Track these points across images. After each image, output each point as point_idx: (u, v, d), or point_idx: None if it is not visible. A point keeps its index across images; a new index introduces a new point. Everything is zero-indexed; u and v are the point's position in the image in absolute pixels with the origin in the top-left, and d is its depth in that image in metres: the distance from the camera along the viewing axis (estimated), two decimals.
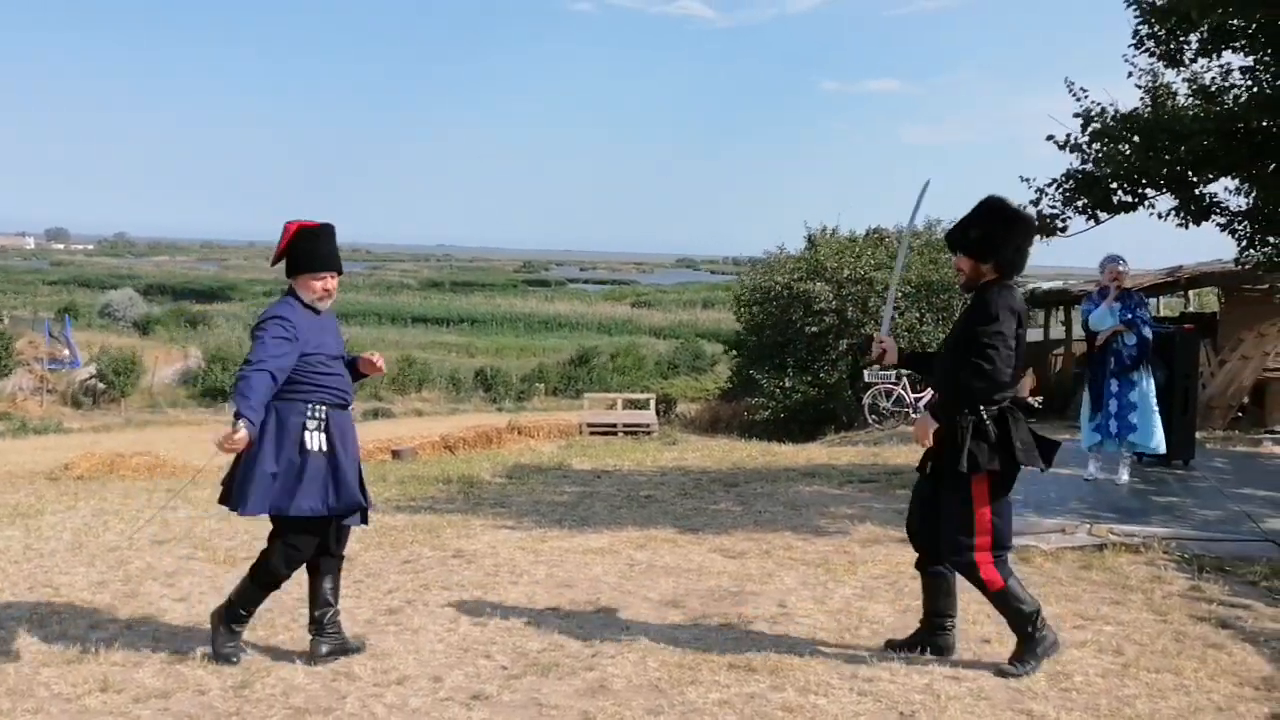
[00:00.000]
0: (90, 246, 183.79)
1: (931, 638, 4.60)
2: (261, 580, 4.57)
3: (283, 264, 4.62)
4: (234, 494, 4.43)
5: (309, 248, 4.58)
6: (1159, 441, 8.22)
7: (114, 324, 58.00)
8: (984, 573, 4.35)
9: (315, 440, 4.43)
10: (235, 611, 4.57)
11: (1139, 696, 4.13)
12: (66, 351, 38.79)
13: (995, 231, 4.41)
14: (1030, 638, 4.38)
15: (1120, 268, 8.07)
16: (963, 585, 4.56)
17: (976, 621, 5.06)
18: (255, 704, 4.08)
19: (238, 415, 4.20)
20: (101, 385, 35.40)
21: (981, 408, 4.29)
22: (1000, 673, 4.36)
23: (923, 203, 5.29)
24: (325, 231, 4.62)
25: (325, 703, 4.08)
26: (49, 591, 5.89)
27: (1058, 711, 3.97)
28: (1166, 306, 25.13)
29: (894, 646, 4.64)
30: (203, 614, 5.37)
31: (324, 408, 4.49)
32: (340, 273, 4.72)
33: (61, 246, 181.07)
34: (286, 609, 5.16)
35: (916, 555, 4.70)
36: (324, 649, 4.56)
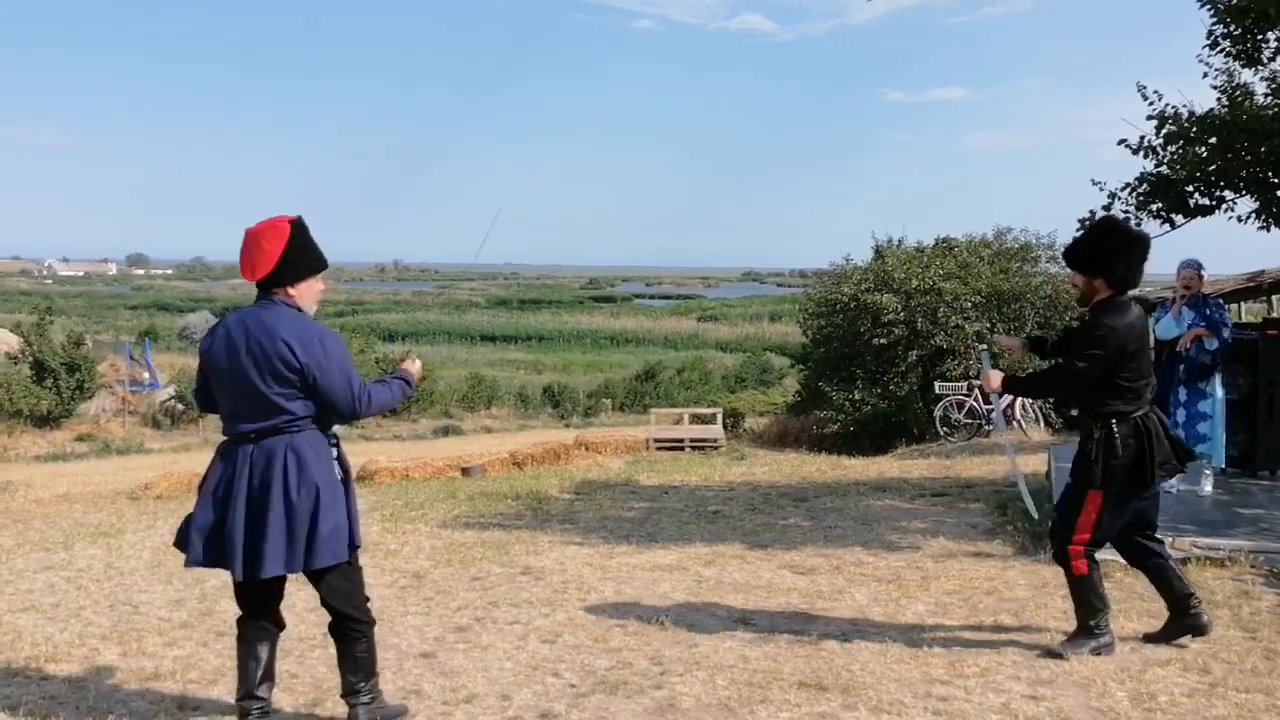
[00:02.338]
0: (169, 271, 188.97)
1: (1184, 621, 4.87)
2: (365, 632, 4.00)
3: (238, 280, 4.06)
4: (281, 553, 3.75)
5: (310, 244, 3.85)
6: (1220, 454, 7.99)
7: (192, 346, 59.41)
8: (1075, 563, 4.72)
9: (339, 470, 3.90)
10: (370, 679, 4.02)
11: (1228, 717, 3.98)
12: (147, 374, 39.80)
13: (1107, 249, 4.72)
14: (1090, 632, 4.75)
15: (1192, 273, 7.84)
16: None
17: (1057, 638, 4.93)
18: None
19: (406, 383, 3.94)
20: (180, 406, 36.20)
21: (1112, 421, 4.62)
22: (1049, 652, 4.71)
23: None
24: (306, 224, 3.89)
25: None
26: (128, 610, 6.01)
27: None
28: (1249, 313, 24.41)
29: (1151, 639, 4.91)
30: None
31: (335, 433, 3.92)
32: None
33: (142, 272, 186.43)
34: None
35: (1125, 555, 5.03)
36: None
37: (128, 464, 25.27)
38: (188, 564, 3.88)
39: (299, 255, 3.80)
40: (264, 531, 3.72)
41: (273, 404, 3.72)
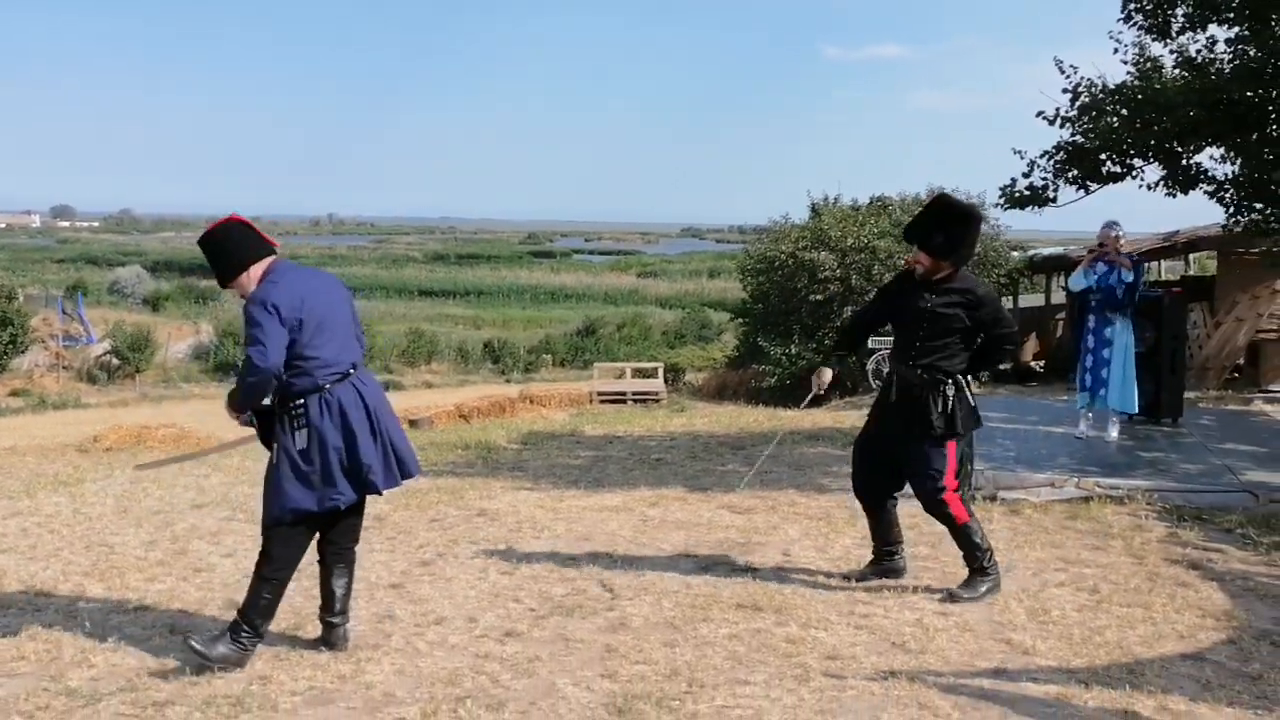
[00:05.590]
0: (96, 224, 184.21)
1: (884, 565, 5.32)
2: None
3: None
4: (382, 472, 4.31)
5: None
6: (1129, 402, 8.59)
7: (123, 301, 58.45)
8: (953, 508, 5.00)
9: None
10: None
11: (1109, 627, 4.56)
12: (81, 328, 39.30)
13: (957, 235, 4.90)
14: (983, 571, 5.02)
15: (1107, 232, 8.45)
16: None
17: (961, 564, 5.48)
18: (310, 642, 4.50)
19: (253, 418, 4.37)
20: (116, 361, 35.88)
21: (961, 375, 4.96)
22: (949, 596, 4.95)
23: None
24: None
25: (373, 640, 4.51)
26: (104, 550, 6.33)
27: (1034, 640, 4.39)
28: (1168, 271, 25.43)
29: (852, 578, 5.29)
30: (250, 568, 5.80)
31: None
32: None
33: (67, 224, 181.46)
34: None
35: (864, 504, 5.40)
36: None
37: (65, 419, 25.09)
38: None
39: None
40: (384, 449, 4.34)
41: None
